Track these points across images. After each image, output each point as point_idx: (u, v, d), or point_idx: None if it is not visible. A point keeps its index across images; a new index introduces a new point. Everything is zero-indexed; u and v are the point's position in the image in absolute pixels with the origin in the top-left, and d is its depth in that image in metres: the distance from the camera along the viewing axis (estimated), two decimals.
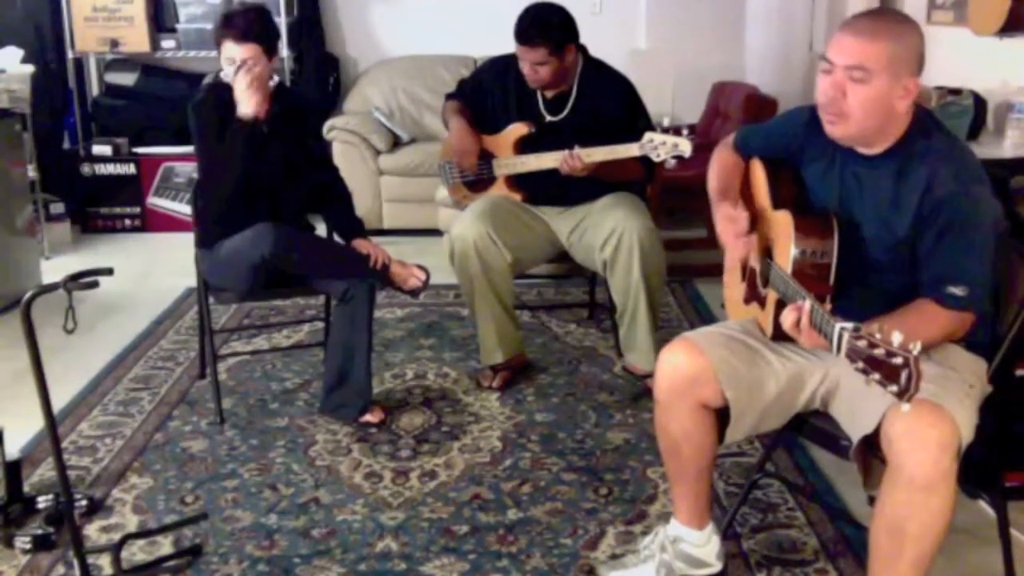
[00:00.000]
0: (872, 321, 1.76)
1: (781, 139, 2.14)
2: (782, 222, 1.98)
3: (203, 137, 2.98)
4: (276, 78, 3.05)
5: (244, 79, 2.86)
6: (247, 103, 2.86)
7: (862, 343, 1.54)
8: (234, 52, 2.88)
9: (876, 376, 1.51)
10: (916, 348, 1.47)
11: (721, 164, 2.28)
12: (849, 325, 1.59)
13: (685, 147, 3.01)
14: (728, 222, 2.11)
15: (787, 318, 1.82)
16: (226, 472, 2.75)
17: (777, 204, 2.07)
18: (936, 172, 1.84)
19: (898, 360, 1.48)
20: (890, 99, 1.83)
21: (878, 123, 1.87)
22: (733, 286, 2.32)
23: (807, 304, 1.77)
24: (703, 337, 2.07)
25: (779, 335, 1.94)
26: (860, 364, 1.54)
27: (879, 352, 1.51)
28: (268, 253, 2.83)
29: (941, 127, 1.94)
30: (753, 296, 2.17)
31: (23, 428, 2.89)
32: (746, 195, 2.27)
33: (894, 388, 1.48)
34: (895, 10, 2.09)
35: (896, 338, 1.49)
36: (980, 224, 1.84)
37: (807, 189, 2.07)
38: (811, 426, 2.05)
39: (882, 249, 1.93)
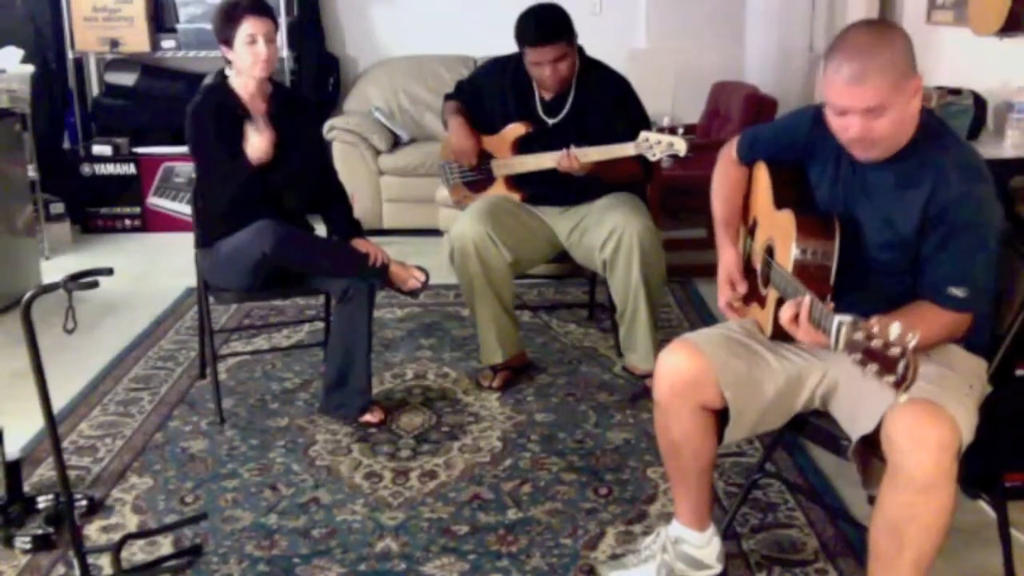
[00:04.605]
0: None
1: (787, 141, 2.13)
2: (784, 221, 1.99)
3: (200, 144, 2.98)
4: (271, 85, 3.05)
5: (268, 134, 2.88)
6: (259, 152, 2.88)
7: (860, 335, 1.56)
8: (256, 26, 2.87)
9: (874, 367, 1.52)
10: (913, 339, 1.48)
11: (724, 182, 2.28)
12: (848, 318, 1.61)
13: (680, 146, 3.01)
14: (727, 284, 2.17)
15: (785, 312, 1.83)
16: (226, 472, 2.75)
17: (780, 204, 2.07)
18: (943, 174, 1.84)
19: (895, 351, 1.49)
20: (907, 108, 1.84)
21: (906, 133, 1.88)
22: None
23: (807, 299, 1.78)
24: (702, 338, 2.07)
25: (778, 334, 1.95)
26: (858, 356, 1.55)
27: (876, 344, 1.52)
28: (270, 250, 2.83)
29: (947, 128, 1.94)
30: (753, 296, 2.18)
31: (23, 428, 2.89)
32: (748, 198, 2.27)
33: (891, 379, 1.49)
34: (873, 24, 2.07)
35: (894, 330, 1.50)
36: (985, 225, 1.84)
37: (811, 190, 2.07)
38: (811, 426, 2.05)
39: (886, 251, 1.93)
